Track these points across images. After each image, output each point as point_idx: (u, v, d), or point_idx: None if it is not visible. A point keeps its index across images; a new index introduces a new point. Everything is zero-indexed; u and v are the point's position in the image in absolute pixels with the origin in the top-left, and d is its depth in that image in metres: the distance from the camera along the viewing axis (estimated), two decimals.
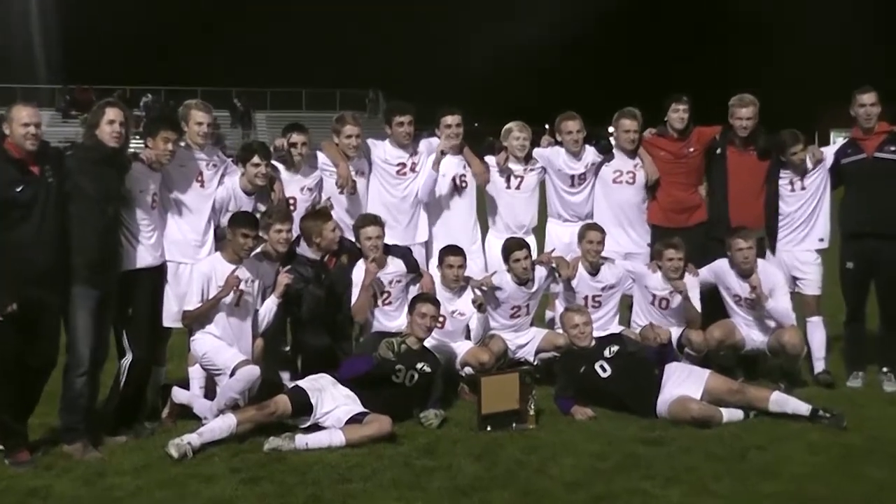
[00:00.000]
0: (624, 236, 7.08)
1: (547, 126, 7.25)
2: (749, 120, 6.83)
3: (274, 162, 6.40)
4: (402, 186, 6.81)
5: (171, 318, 5.90)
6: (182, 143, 5.95)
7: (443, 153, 6.68)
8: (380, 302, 6.48)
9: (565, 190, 7.10)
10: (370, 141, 6.87)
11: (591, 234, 6.69)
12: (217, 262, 5.86)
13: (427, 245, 6.95)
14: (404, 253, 6.59)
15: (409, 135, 6.75)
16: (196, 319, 5.80)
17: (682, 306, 6.62)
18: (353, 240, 6.46)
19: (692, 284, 6.63)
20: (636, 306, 6.88)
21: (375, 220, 6.36)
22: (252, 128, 39.41)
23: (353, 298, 6.32)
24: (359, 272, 6.38)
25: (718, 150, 6.99)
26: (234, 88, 41.21)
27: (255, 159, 6.11)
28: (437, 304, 5.98)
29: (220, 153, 6.31)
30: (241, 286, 5.80)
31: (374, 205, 6.78)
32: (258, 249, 6.06)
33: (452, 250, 6.49)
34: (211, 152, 6.16)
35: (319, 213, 6.30)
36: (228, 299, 5.79)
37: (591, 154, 7.07)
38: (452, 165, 6.90)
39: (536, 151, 7.10)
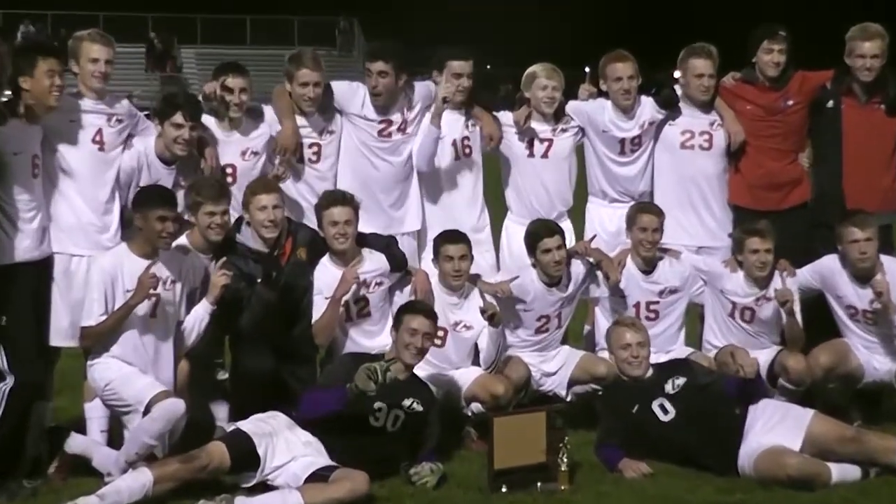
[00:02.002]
0: (695, 222, 7.09)
1: (587, 70, 7.22)
2: (875, 59, 6.82)
3: (204, 117, 6.42)
4: (388, 152, 6.82)
5: (60, 334, 5.91)
6: (74, 90, 5.99)
7: (445, 101, 6.70)
8: (353, 314, 6.48)
9: (612, 158, 7.11)
10: (346, 85, 6.88)
11: (644, 217, 6.68)
12: (124, 256, 5.85)
13: (420, 235, 6.97)
14: (387, 244, 6.60)
15: (381, 91, 6.68)
16: (97, 337, 5.79)
17: (778, 320, 6.61)
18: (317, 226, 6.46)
19: (790, 288, 6.60)
20: (710, 319, 6.88)
21: (345, 199, 6.37)
22: (175, 70, 39.34)
23: (316, 311, 6.32)
24: (325, 274, 6.39)
25: (830, 103, 6.99)
26: (150, 14, 41.20)
27: (178, 118, 6.13)
28: (432, 315, 6.00)
29: (128, 105, 6.33)
30: (159, 289, 5.79)
31: (347, 178, 6.79)
32: (182, 239, 6.04)
33: (451, 237, 6.53)
34: (114, 103, 6.17)
35: (258, 182, 6.36)
36: (142, 308, 5.77)
37: (648, 109, 7.08)
38: (453, 125, 6.93)
39: (572, 106, 7.12)
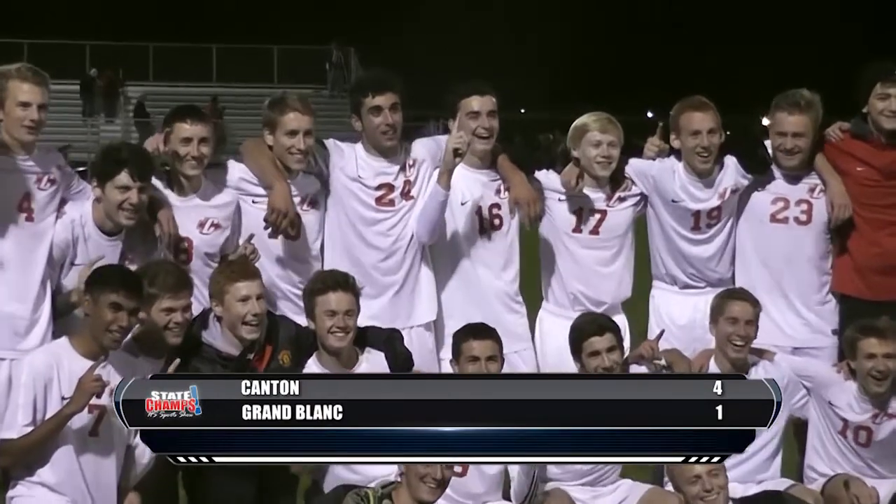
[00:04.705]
0: (791, 316, 7.15)
1: (651, 115, 7.25)
2: None
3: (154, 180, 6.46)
4: (386, 224, 6.91)
5: None
6: None
7: (457, 154, 6.71)
8: None
9: (683, 235, 7.18)
10: (332, 143, 6.96)
11: (735, 307, 6.65)
12: (63, 353, 5.85)
13: (435, 327, 7.01)
14: (388, 339, 6.62)
15: (394, 130, 6.80)
16: (19, 454, 5.78)
17: None
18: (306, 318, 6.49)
19: None
20: (814, 440, 6.87)
21: (346, 283, 6.36)
22: (120, 114, 39.63)
23: None
24: None
25: None
26: (88, 42, 41.58)
27: (123, 178, 6.14)
28: None
29: (61, 161, 6.38)
30: (104, 398, 5.72)
31: (335, 257, 6.88)
32: (131, 334, 6.04)
33: (477, 331, 6.53)
34: (46, 160, 6.22)
35: (235, 264, 6.38)
36: (79, 421, 5.75)
37: (731, 173, 7.12)
38: (478, 186, 7.02)
39: (634, 166, 7.18)
